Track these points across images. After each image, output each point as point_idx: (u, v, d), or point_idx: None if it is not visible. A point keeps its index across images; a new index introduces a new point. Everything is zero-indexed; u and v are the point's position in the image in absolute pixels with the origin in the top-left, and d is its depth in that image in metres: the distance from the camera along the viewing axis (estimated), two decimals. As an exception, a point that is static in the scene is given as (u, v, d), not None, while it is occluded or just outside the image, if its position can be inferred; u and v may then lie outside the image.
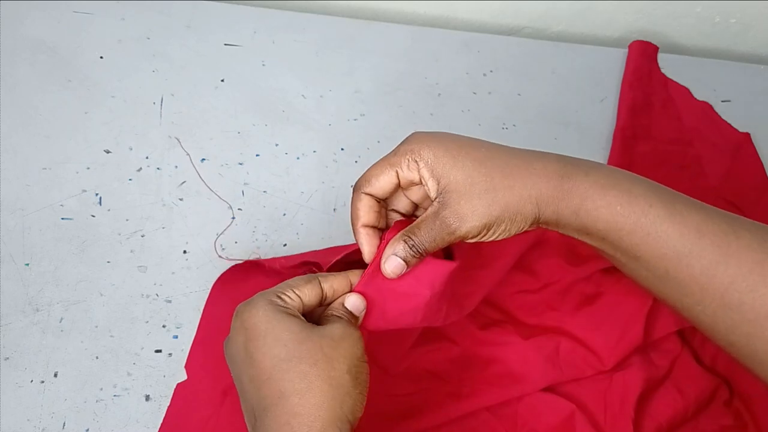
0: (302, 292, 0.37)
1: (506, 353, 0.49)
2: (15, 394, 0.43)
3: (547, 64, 0.72)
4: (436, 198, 0.37)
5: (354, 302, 0.38)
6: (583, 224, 0.36)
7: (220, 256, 0.51)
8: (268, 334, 0.35)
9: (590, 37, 0.80)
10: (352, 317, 0.38)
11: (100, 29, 0.64)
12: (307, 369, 0.34)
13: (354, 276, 0.40)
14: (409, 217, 0.42)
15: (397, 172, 0.37)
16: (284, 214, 0.55)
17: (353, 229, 0.40)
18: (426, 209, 0.38)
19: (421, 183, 0.38)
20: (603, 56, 0.74)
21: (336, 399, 0.33)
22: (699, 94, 0.71)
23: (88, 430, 0.43)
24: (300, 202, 0.56)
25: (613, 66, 0.73)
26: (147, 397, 0.45)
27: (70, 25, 0.63)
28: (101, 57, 0.62)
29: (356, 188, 0.39)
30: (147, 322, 0.48)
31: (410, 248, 0.37)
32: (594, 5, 0.76)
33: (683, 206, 0.36)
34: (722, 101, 0.72)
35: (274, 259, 0.50)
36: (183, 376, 0.46)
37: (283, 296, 0.37)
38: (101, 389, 0.45)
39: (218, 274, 0.50)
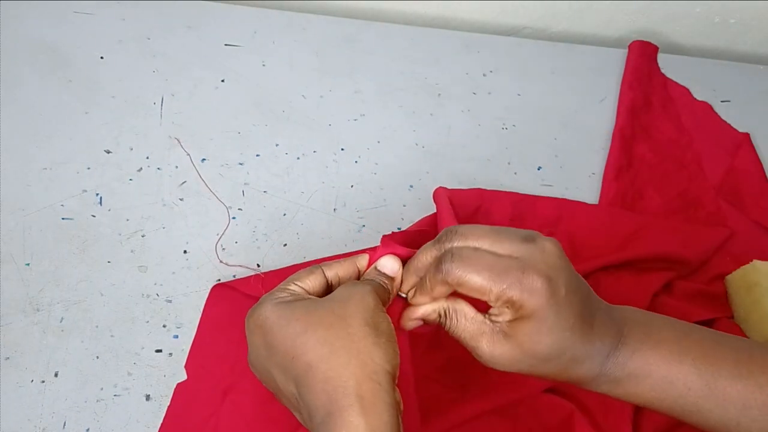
0: (304, 282, 0.38)
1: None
2: (15, 394, 0.44)
3: (547, 64, 0.72)
4: (497, 315, 0.36)
5: (384, 263, 0.38)
6: (615, 394, 0.37)
7: (221, 261, 0.51)
8: (281, 318, 0.35)
9: (590, 37, 0.80)
10: (387, 279, 0.38)
11: (100, 29, 0.64)
12: (324, 333, 0.33)
13: (361, 260, 0.40)
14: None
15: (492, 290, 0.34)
16: (284, 214, 0.55)
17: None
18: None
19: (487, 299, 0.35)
20: (603, 56, 0.74)
21: (363, 352, 0.33)
22: (699, 94, 0.71)
23: (88, 429, 0.43)
24: (300, 202, 0.56)
25: (613, 66, 0.73)
26: (147, 397, 0.45)
27: (70, 25, 0.63)
28: (101, 57, 0.62)
29: (445, 259, 0.35)
30: (147, 321, 0.48)
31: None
32: (594, 5, 0.76)
33: (726, 380, 0.35)
34: (722, 101, 0.72)
35: (269, 272, 0.50)
36: (183, 376, 0.46)
37: (286, 290, 0.37)
38: (102, 389, 0.45)
39: (218, 275, 0.50)
